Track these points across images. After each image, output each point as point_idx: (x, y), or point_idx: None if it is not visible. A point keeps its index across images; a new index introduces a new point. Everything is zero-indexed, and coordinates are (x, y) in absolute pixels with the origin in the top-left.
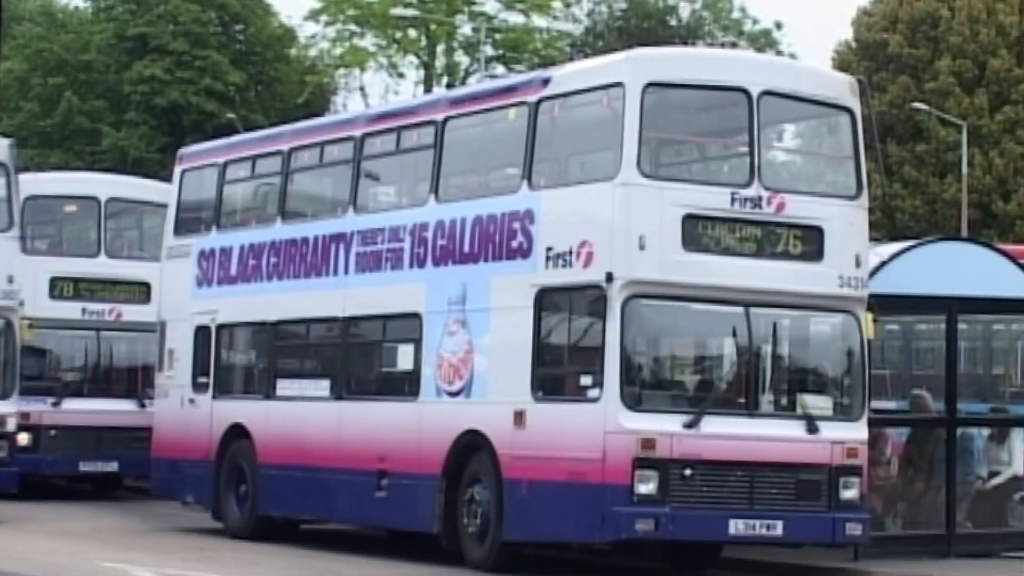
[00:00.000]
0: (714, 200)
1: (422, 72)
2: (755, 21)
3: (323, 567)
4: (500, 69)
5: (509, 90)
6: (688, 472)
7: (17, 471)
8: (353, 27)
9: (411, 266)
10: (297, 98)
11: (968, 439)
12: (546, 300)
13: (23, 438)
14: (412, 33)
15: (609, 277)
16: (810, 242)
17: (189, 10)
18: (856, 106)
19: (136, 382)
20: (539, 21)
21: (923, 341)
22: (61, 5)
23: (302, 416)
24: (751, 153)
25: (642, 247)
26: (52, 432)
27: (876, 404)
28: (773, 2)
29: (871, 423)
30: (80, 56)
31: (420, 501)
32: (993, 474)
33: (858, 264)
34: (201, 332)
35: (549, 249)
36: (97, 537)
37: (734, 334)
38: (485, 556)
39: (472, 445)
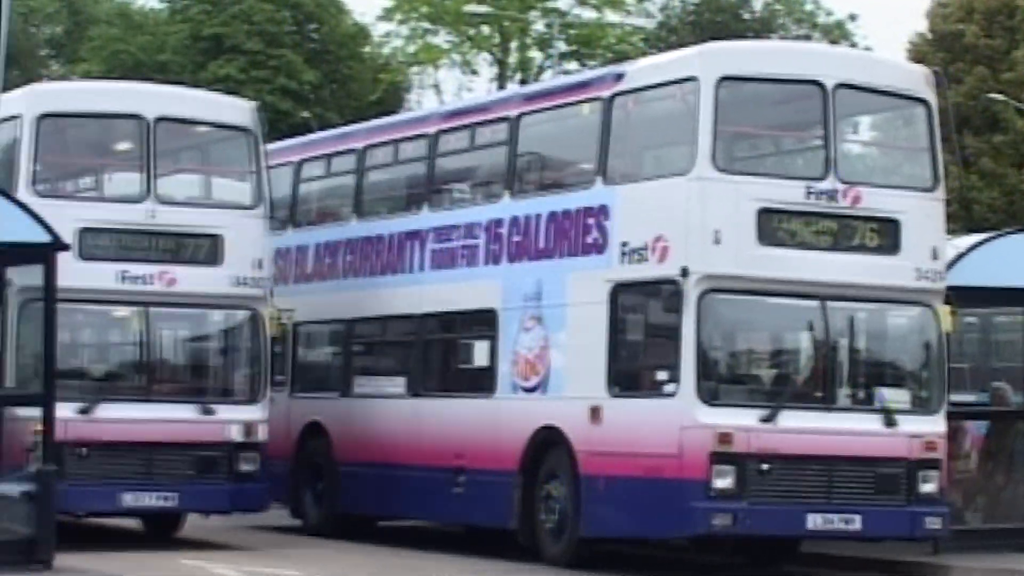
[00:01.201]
0: (789, 194)
1: (495, 69)
2: (829, 13)
3: (400, 564)
4: (573, 65)
5: (583, 86)
6: (765, 467)
7: (267, 486)
8: (426, 25)
9: (486, 263)
10: (371, 96)
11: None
12: (621, 295)
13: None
14: (485, 30)
15: (684, 272)
16: (886, 235)
17: (263, 10)
18: (932, 98)
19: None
20: (612, 16)
21: (1002, 333)
22: (137, 7)
23: (379, 413)
24: (826, 146)
25: (717, 241)
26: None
27: (955, 397)
28: None
29: (950, 416)
30: (156, 57)
31: (497, 497)
32: None
33: (935, 256)
34: None
35: (624, 244)
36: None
37: (810, 328)
38: (562, 552)
39: (548, 441)
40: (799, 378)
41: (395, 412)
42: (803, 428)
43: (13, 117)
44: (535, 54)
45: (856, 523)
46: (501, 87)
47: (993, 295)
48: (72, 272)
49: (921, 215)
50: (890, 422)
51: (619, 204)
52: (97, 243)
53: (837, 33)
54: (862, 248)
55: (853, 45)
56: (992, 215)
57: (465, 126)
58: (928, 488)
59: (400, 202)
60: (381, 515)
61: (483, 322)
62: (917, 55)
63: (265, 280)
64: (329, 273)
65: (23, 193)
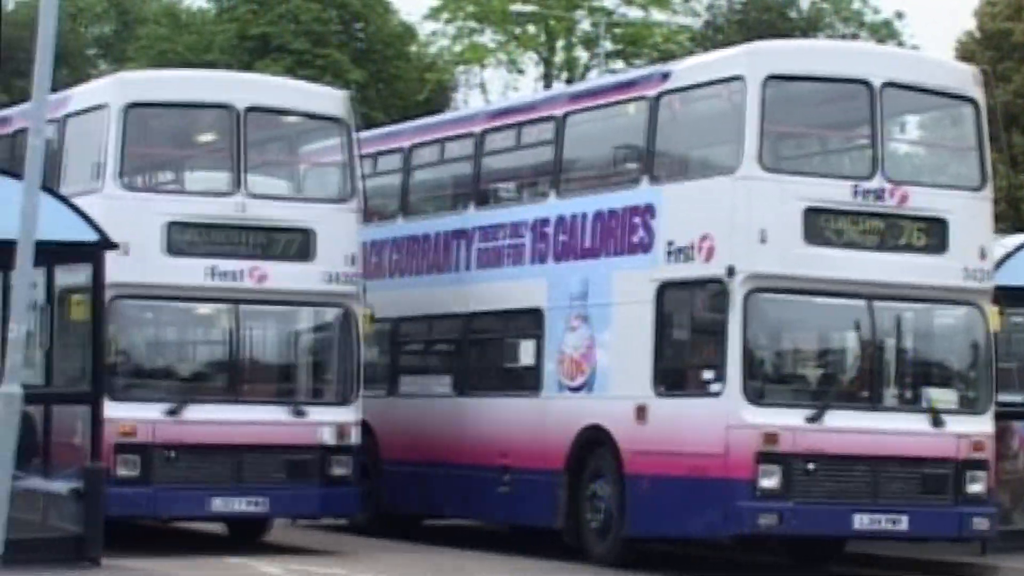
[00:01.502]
0: (836, 193)
1: (541, 68)
2: (876, 11)
3: (446, 563)
4: (619, 64)
5: (629, 85)
6: (811, 466)
7: (359, 491)
8: (473, 24)
9: (532, 262)
10: (417, 95)
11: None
12: (667, 294)
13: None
14: (531, 29)
15: (730, 271)
16: (934, 234)
17: (310, 9)
18: (980, 96)
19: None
20: (658, 15)
21: None
22: (185, 6)
23: (424, 412)
24: (873, 145)
25: (763, 240)
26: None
27: (1003, 397)
28: None
29: (998, 416)
30: (203, 56)
31: (542, 497)
32: None
33: (983, 256)
34: None
35: (670, 243)
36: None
37: (857, 327)
38: (607, 551)
39: (594, 440)
40: (845, 378)
41: (440, 411)
42: (849, 428)
43: (99, 107)
44: (581, 53)
45: (903, 523)
46: (547, 86)
47: None
48: (159, 268)
49: (968, 214)
50: (937, 422)
51: (665, 203)
52: (185, 238)
53: (884, 32)
54: (909, 248)
55: (900, 44)
56: None
57: (511, 125)
58: (976, 488)
59: (446, 201)
60: (426, 514)
61: (529, 321)
62: (965, 54)
63: (358, 276)
64: (376, 272)
65: (110, 186)
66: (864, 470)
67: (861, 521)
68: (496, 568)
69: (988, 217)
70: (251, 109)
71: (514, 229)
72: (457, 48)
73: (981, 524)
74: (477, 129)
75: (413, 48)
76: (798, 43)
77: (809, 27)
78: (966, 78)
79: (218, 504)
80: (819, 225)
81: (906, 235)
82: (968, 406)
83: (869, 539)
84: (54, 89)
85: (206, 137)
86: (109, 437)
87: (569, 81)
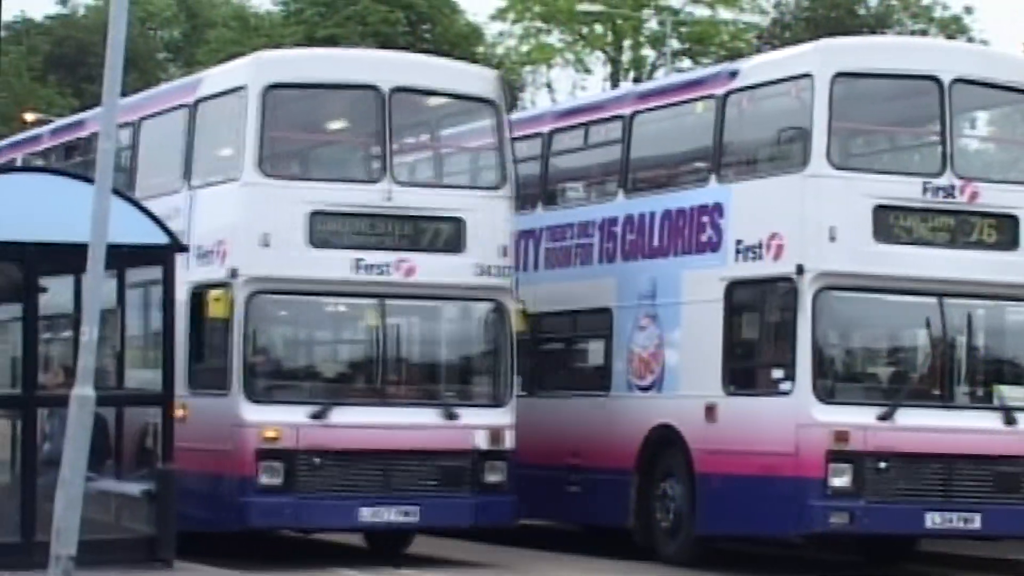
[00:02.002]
0: (905, 190)
1: (609, 67)
2: (945, 7)
3: (517, 563)
4: (687, 63)
5: (697, 83)
6: (883, 465)
7: (516, 498)
8: (539, 24)
9: (600, 261)
10: None
11: None
12: (736, 293)
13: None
14: (598, 28)
15: (800, 269)
16: (1004, 231)
17: (377, 11)
18: None
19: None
20: (725, 14)
21: None
22: (252, 10)
23: None
24: (943, 142)
25: (832, 239)
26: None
27: None
28: None
29: None
30: None
31: (612, 496)
32: None
33: None
34: None
35: (739, 242)
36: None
37: (927, 325)
38: (677, 551)
39: (664, 440)
40: (916, 376)
41: None
42: (921, 426)
43: (235, 90)
44: (648, 52)
45: (975, 522)
46: (614, 86)
47: None
48: (302, 261)
49: None
50: (1009, 420)
51: (733, 202)
52: (329, 228)
53: (954, 27)
54: (980, 244)
55: (970, 39)
56: None
57: (579, 125)
58: None
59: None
60: None
61: (598, 321)
62: None
63: (510, 269)
64: None
65: (249, 173)
66: (936, 468)
67: (933, 520)
68: (567, 567)
69: None
70: (397, 90)
71: (582, 228)
72: (524, 48)
73: None
74: (545, 129)
75: (480, 49)
76: (867, 40)
77: (878, 24)
78: None
79: (366, 514)
80: (888, 223)
81: (977, 232)
82: None
83: (941, 538)
84: (124, 94)
85: (350, 120)
86: (250, 442)
87: (636, 80)
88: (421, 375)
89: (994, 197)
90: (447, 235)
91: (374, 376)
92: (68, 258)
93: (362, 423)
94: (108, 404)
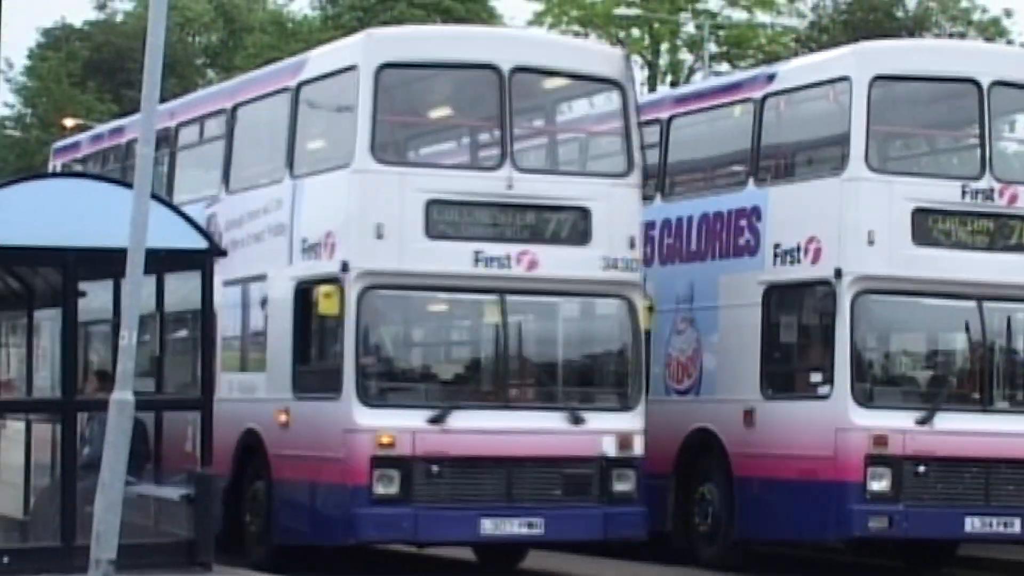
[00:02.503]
0: (944, 193)
1: (646, 71)
2: (984, 10)
3: (555, 566)
4: (724, 66)
5: (734, 87)
6: (922, 469)
7: (646, 510)
8: (577, 28)
9: None
10: None
11: None
12: (774, 297)
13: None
14: (635, 32)
15: (838, 273)
16: None
17: (414, 15)
18: None
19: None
20: (763, 17)
21: None
22: (291, 14)
23: None
24: (982, 145)
25: (871, 242)
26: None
27: None
28: None
29: None
30: None
31: (651, 500)
32: None
33: None
34: None
35: (776, 246)
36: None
37: (966, 329)
38: (716, 555)
39: (702, 444)
40: (955, 380)
41: None
42: (960, 430)
43: (345, 69)
44: (685, 56)
45: (1015, 526)
46: (651, 89)
47: None
48: (419, 253)
49: None
50: None
51: (771, 205)
52: (447, 218)
53: (993, 30)
54: (1019, 248)
55: (1009, 42)
56: None
57: None
58: None
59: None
60: None
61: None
62: None
63: (639, 262)
64: None
65: (361, 159)
66: (975, 473)
67: (973, 524)
68: (607, 571)
69: None
70: (517, 69)
71: None
72: None
73: None
74: None
75: None
76: (904, 43)
77: (916, 26)
78: None
79: (488, 527)
80: (927, 226)
81: (1016, 235)
82: None
83: (981, 542)
84: (162, 99)
85: (467, 102)
86: (363, 449)
87: (674, 84)
88: (544, 376)
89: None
90: (571, 226)
91: (494, 377)
92: (107, 263)
93: (483, 428)
94: (147, 408)
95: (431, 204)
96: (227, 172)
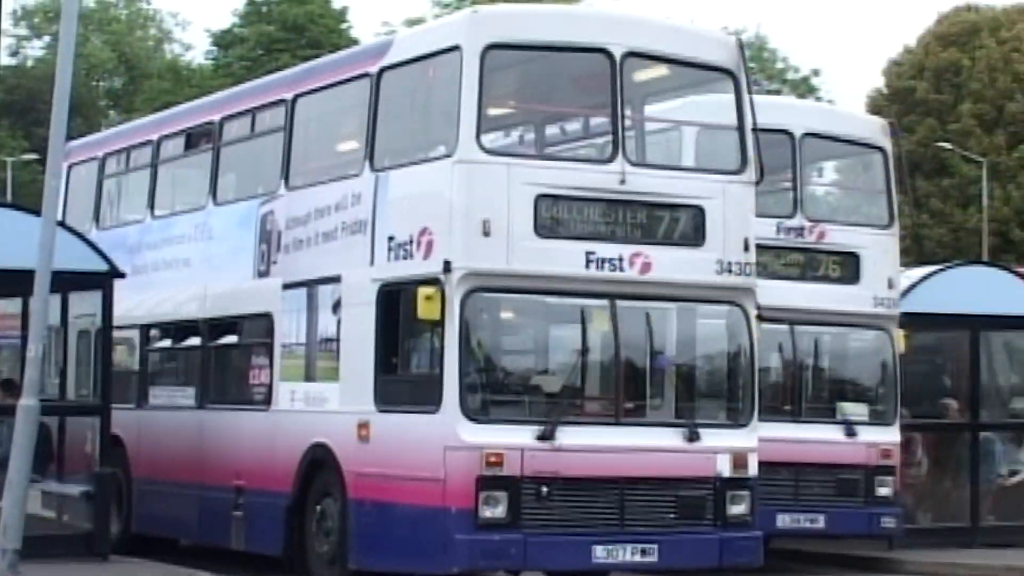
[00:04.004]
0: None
1: None
2: (796, 70)
3: None
4: None
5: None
6: (544, 491)
7: (760, 536)
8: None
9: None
10: None
11: (989, 442)
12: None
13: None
14: None
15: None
16: (847, 267)
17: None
18: (888, 145)
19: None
20: None
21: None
22: (185, 63)
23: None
24: (794, 188)
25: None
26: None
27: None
28: (811, 53)
29: (904, 428)
30: None
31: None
32: (1013, 473)
33: (891, 286)
34: None
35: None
36: None
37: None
38: None
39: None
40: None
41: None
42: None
43: (445, 51)
44: None
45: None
46: None
47: (941, 321)
48: (529, 253)
49: (879, 250)
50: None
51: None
52: (557, 215)
53: (804, 88)
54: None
55: (818, 99)
56: (941, 250)
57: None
58: (883, 492)
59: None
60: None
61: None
62: (875, 108)
63: (753, 267)
64: None
65: (466, 148)
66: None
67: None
68: None
69: (895, 252)
70: (630, 54)
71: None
72: None
73: (889, 523)
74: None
75: None
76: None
77: None
78: (876, 129)
79: (600, 554)
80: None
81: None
82: (878, 418)
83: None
84: (69, 136)
85: (576, 88)
86: (468, 468)
87: None
88: (657, 390)
89: (839, 236)
90: (685, 225)
91: (605, 390)
92: (16, 283)
93: (596, 446)
94: (51, 414)
95: (540, 199)
96: (287, 166)
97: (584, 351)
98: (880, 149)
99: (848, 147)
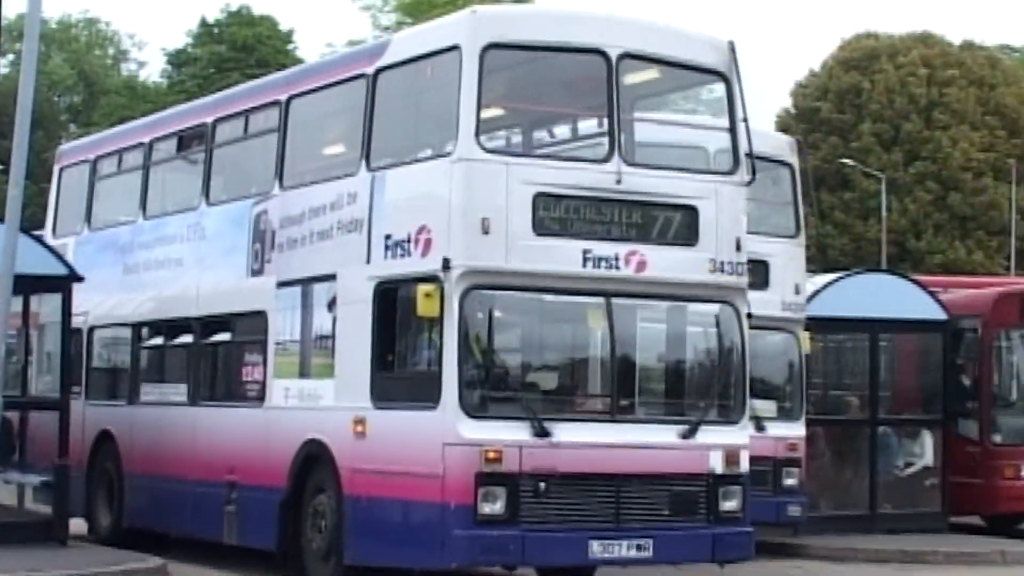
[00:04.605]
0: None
1: None
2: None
3: None
4: None
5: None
6: (542, 487)
7: (752, 532)
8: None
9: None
10: None
11: (887, 436)
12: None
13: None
14: None
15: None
16: (756, 274)
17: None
18: (795, 161)
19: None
20: None
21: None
22: (141, 80)
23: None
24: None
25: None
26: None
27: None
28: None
29: (809, 423)
30: None
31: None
32: (908, 464)
33: (797, 291)
34: None
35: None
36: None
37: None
38: None
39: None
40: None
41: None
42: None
43: (444, 50)
44: None
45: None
46: None
47: (843, 324)
48: (528, 251)
49: (786, 258)
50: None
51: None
52: (555, 214)
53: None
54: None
55: None
56: (843, 258)
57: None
58: (790, 482)
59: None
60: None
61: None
62: (782, 126)
63: (745, 267)
64: None
65: (465, 147)
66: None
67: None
68: None
69: (801, 259)
70: (625, 56)
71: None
72: None
73: (794, 511)
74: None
75: None
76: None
77: None
78: (784, 146)
79: (596, 549)
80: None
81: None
82: (785, 414)
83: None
84: (30, 149)
85: (572, 89)
86: (467, 464)
87: None
88: (651, 387)
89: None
90: (679, 225)
91: (602, 388)
92: None
93: (593, 442)
94: (14, 408)
95: (538, 198)
96: (281, 167)
97: (581, 348)
98: (788, 165)
99: (758, 163)
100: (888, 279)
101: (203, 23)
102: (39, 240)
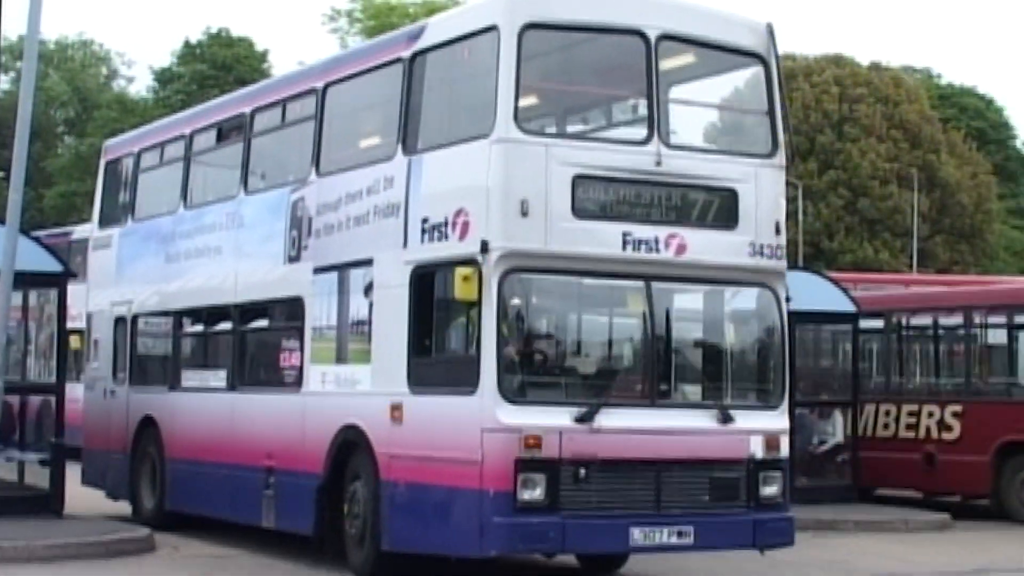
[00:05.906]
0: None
1: None
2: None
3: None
4: None
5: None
6: (583, 473)
7: (793, 518)
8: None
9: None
10: None
11: (803, 417)
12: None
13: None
14: None
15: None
16: (720, 208)
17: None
18: (771, 55)
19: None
20: None
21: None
22: (130, 96)
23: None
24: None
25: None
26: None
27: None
28: None
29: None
30: None
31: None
32: (822, 442)
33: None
34: None
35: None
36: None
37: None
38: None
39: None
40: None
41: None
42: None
43: (481, 31)
44: None
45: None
46: None
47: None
48: (566, 234)
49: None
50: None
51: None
52: (596, 196)
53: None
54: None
55: None
56: None
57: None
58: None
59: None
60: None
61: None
62: None
63: (783, 250)
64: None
65: (504, 128)
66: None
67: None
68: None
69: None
70: (664, 37)
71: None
72: None
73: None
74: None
75: None
76: None
77: None
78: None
79: (638, 536)
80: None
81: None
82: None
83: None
84: (29, 158)
85: (611, 70)
86: (507, 450)
87: None
88: (691, 372)
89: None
90: (718, 208)
91: (642, 372)
92: None
93: (633, 427)
94: (13, 392)
95: (577, 180)
96: (318, 154)
97: (620, 332)
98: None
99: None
100: (804, 276)
101: (187, 44)
102: (37, 240)
